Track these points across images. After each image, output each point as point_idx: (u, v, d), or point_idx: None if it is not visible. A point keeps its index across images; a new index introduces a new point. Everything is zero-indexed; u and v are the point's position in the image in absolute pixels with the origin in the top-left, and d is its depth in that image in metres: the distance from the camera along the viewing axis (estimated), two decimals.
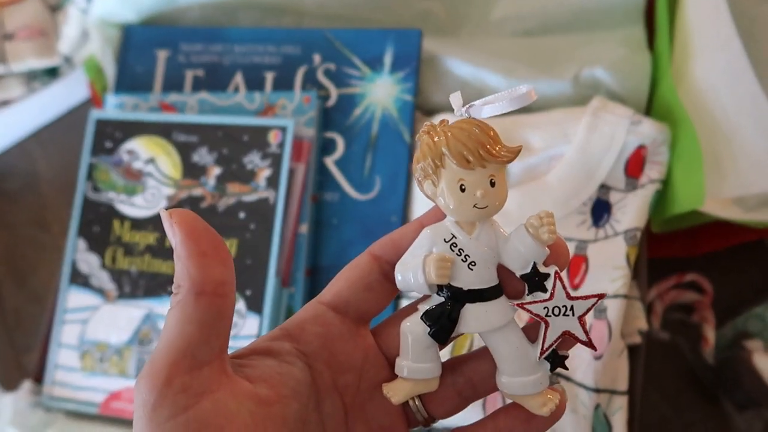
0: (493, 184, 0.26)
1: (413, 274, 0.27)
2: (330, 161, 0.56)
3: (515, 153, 0.27)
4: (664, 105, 0.52)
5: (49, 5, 0.72)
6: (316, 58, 0.58)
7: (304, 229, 0.54)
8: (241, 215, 0.53)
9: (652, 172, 0.49)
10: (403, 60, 0.56)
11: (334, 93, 0.57)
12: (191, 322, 0.25)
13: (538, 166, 0.52)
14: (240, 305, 0.52)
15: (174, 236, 0.25)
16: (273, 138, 0.54)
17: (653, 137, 0.49)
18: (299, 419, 0.27)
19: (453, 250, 0.27)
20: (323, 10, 0.61)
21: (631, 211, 0.48)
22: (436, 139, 0.27)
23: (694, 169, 0.47)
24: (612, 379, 0.45)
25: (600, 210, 0.49)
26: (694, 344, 0.54)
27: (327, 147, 0.56)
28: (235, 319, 0.51)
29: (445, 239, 0.27)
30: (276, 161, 0.54)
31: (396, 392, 0.29)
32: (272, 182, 0.53)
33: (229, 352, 0.27)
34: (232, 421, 0.24)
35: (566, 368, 0.28)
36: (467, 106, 0.27)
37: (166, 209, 0.26)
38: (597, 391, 0.45)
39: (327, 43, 0.58)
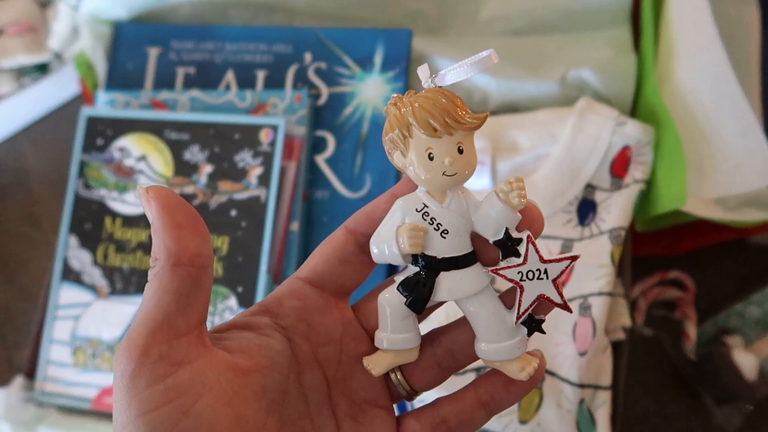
0: (461, 151, 0.27)
1: (387, 245, 0.28)
2: (321, 159, 0.57)
3: (481, 120, 0.27)
4: (648, 106, 0.52)
5: (39, 1, 0.72)
6: (307, 56, 0.59)
7: (295, 226, 0.54)
8: (233, 213, 0.54)
9: (637, 173, 0.50)
10: (393, 59, 0.57)
11: (324, 92, 0.58)
12: (167, 293, 0.25)
13: (525, 166, 0.52)
14: (232, 301, 0.52)
15: (150, 210, 0.25)
16: (264, 136, 0.55)
17: (638, 138, 0.50)
18: (279, 390, 0.27)
19: (425, 220, 0.27)
20: (314, 8, 0.61)
21: (615, 210, 0.49)
22: (402, 110, 0.27)
23: (676, 169, 0.48)
24: (596, 374, 0.47)
25: (585, 209, 0.50)
26: (676, 340, 0.55)
27: (318, 145, 0.57)
28: (227, 314, 0.52)
29: (416, 209, 0.27)
30: (267, 159, 0.54)
31: (376, 364, 0.29)
32: (263, 180, 0.54)
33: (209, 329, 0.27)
34: (210, 389, 0.25)
35: (543, 332, 0.28)
36: (433, 76, 0.28)
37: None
38: (581, 386, 0.46)
39: (318, 42, 0.59)
